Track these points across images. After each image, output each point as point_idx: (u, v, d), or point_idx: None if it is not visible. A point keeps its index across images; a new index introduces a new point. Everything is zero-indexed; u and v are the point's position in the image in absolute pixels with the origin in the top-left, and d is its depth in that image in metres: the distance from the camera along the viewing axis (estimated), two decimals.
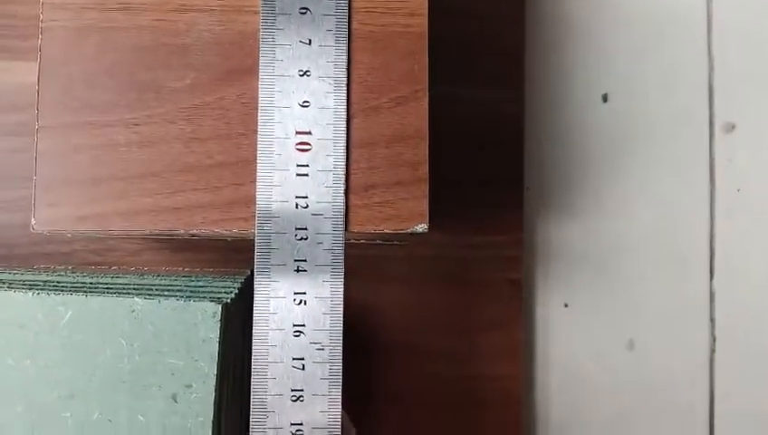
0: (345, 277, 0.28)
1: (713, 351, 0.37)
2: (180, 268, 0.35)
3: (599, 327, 0.37)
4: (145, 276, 0.31)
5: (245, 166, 0.28)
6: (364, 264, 0.35)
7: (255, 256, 0.27)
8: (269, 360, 0.27)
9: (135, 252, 0.36)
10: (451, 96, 0.36)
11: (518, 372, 0.36)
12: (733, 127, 0.38)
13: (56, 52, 0.28)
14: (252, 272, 0.34)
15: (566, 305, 0.37)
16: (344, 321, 0.28)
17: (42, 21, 0.28)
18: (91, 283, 0.30)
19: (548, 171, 0.37)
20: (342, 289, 0.28)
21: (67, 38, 0.28)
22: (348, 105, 0.28)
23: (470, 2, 0.37)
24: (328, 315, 0.28)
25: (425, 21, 0.28)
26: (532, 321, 0.37)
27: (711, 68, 0.38)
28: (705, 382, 0.37)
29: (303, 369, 0.27)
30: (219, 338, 0.27)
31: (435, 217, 0.31)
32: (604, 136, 0.37)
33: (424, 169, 0.28)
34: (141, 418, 0.27)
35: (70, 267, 0.35)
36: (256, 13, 0.28)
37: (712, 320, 0.37)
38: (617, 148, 0.37)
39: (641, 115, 0.38)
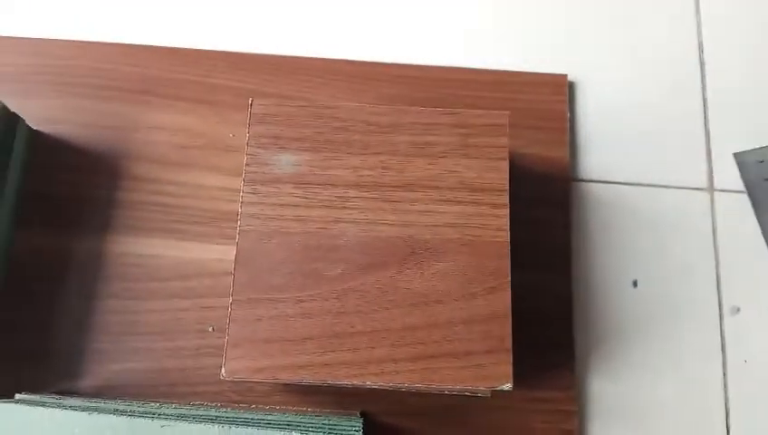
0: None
1: None
2: (305, 408, 0.44)
3: None
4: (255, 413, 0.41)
5: (377, 334, 0.38)
6: (451, 411, 0.44)
7: None
8: None
9: (267, 393, 0.45)
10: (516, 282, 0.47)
11: None
12: (738, 310, 0.48)
13: (248, 248, 0.39)
14: (362, 414, 0.43)
15: None
16: None
17: (239, 226, 0.39)
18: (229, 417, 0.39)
19: (592, 342, 0.47)
20: None
21: (256, 239, 0.39)
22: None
23: (527, 211, 0.49)
24: None
25: (507, 235, 0.40)
26: None
27: (717, 262, 0.49)
28: None
29: None
30: None
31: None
32: (636, 314, 0.48)
33: (508, 342, 0.38)
34: None
35: (217, 404, 0.44)
36: (389, 224, 0.40)
37: None
38: (645, 324, 0.47)
39: (664, 298, 0.48)
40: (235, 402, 0.45)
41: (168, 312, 0.46)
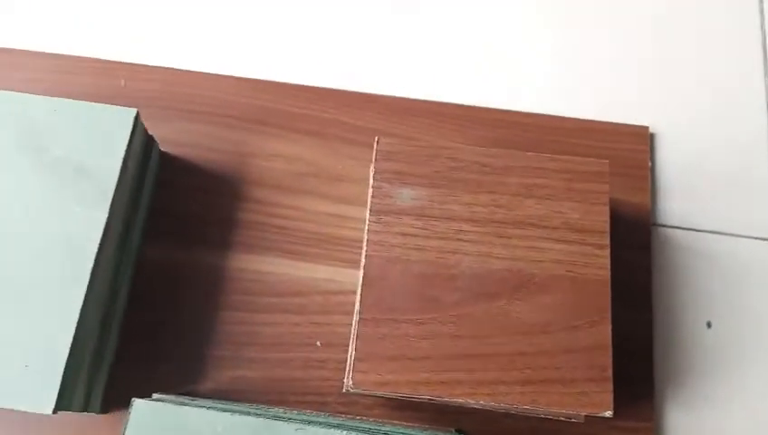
0: None
1: None
2: (405, 423, 0.48)
3: None
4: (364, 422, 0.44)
5: (490, 358, 0.42)
6: (540, 434, 0.48)
7: None
8: None
9: (369, 407, 0.49)
10: None
11: None
12: None
13: (374, 272, 0.43)
14: (457, 431, 0.47)
15: None
16: None
17: (365, 251, 0.44)
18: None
19: (670, 377, 0.51)
20: None
21: (381, 264, 0.43)
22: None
23: (612, 252, 0.52)
24: None
25: (608, 273, 0.44)
26: None
27: None
28: None
29: None
30: None
31: None
32: (711, 353, 0.51)
33: (609, 372, 0.42)
34: None
35: (324, 413, 0.48)
36: (500, 258, 0.44)
37: None
38: (719, 363, 0.51)
39: (736, 339, 0.51)
40: (341, 413, 0.48)
41: (281, 325, 0.50)
